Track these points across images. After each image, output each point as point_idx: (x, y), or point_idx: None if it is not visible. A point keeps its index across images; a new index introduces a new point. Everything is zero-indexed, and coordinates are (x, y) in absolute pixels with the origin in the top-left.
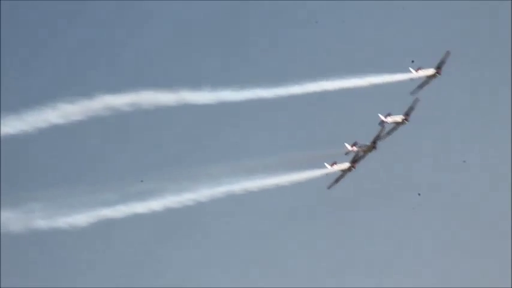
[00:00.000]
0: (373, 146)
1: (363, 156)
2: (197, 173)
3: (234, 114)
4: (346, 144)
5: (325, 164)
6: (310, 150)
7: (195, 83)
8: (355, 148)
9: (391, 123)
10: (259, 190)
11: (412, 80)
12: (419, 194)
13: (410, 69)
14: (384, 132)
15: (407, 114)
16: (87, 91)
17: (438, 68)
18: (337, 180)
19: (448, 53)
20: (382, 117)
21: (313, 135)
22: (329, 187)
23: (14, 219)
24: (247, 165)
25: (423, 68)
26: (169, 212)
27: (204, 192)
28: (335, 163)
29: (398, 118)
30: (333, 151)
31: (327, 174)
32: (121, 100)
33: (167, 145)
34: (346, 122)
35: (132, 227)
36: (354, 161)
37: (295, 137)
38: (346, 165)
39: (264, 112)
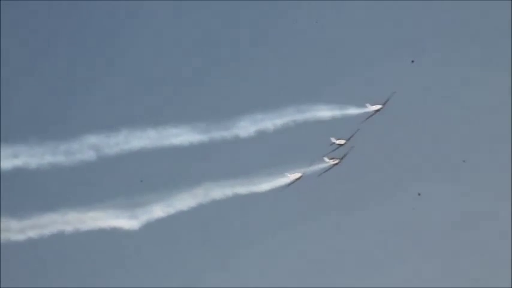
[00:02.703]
0: (340, 160)
1: (327, 168)
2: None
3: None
4: (325, 158)
5: (287, 173)
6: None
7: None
8: (334, 160)
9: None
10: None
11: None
12: (419, 194)
13: (367, 105)
14: (349, 152)
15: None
16: None
17: (384, 104)
18: (288, 185)
19: (393, 93)
20: (334, 140)
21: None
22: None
23: None
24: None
25: (376, 104)
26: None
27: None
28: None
29: (342, 142)
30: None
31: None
32: None
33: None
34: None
35: None
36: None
37: (268, 156)
38: (298, 175)
39: (234, 144)
